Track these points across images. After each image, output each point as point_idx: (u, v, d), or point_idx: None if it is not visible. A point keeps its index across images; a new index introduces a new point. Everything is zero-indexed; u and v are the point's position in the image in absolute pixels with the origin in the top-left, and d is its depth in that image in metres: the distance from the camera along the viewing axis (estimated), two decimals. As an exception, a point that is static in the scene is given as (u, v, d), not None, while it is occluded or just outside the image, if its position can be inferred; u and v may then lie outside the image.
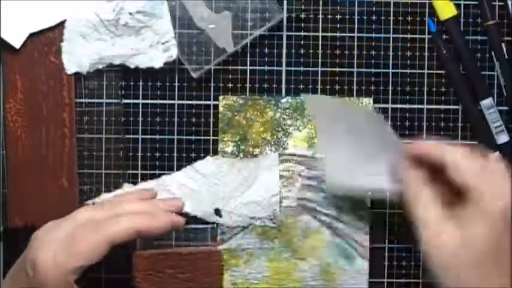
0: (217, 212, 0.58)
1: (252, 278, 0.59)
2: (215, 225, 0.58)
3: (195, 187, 0.58)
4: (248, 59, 0.60)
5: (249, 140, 0.59)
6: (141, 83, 0.59)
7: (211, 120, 0.60)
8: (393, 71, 0.60)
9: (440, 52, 0.59)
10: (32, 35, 0.57)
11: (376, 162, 0.52)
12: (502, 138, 0.60)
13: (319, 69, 0.60)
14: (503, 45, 0.59)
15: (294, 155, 0.59)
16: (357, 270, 0.59)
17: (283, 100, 0.59)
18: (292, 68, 0.60)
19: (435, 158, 0.49)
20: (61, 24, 0.57)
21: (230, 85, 0.59)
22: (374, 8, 0.60)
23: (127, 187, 0.58)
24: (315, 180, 0.59)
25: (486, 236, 0.45)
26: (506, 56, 0.59)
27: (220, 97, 0.59)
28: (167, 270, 0.56)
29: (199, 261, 0.57)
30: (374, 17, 0.60)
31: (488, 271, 0.45)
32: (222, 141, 0.59)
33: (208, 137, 0.60)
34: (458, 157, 0.47)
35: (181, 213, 0.55)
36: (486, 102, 0.60)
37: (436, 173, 0.49)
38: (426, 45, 0.60)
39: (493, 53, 0.60)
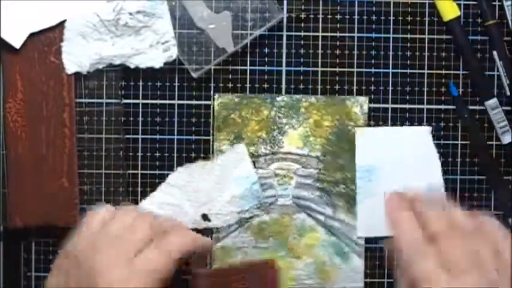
0: (205, 217, 0.58)
1: None
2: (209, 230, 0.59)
3: (175, 201, 0.58)
4: (248, 59, 0.60)
5: (245, 139, 0.59)
6: (141, 83, 0.59)
7: (211, 120, 0.60)
8: (393, 71, 0.60)
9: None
10: (32, 35, 0.57)
11: None
12: (507, 138, 0.60)
13: (319, 69, 0.60)
14: (504, 44, 0.59)
15: (289, 153, 0.59)
16: (352, 268, 0.59)
17: (279, 98, 0.59)
18: (292, 68, 0.60)
19: None
20: (61, 24, 0.57)
21: (230, 85, 0.59)
22: (374, 8, 0.59)
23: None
24: (310, 179, 0.59)
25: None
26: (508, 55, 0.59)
27: (216, 95, 0.59)
28: (232, 285, 0.53)
29: (259, 272, 0.54)
30: (374, 17, 0.59)
31: None
32: (218, 139, 0.59)
33: (208, 137, 0.60)
34: None
35: None
36: (491, 102, 0.59)
37: None
38: (426, 45, 0.60)
39: (495, 53, 0.59)
